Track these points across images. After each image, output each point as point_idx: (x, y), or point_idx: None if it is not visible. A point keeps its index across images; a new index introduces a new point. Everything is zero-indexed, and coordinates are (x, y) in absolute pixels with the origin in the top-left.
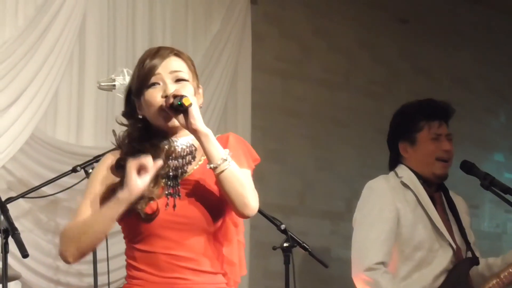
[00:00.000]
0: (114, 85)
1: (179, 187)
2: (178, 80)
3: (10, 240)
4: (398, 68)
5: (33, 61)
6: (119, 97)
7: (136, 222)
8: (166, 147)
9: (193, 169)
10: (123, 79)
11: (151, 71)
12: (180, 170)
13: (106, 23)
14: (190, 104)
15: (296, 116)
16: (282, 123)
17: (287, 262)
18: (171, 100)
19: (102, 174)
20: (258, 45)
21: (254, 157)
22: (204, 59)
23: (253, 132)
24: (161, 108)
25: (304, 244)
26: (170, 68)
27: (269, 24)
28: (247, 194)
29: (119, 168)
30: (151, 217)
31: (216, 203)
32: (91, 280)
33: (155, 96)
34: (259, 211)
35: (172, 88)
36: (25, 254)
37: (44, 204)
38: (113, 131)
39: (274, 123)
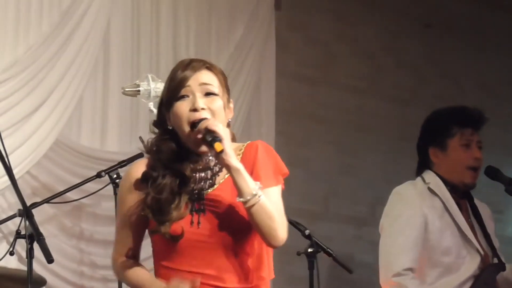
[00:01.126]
0: (139, 91)
1: (204, 202)
2: (208, 94)
3: (35, 246)
4: (424, 73)
5: (58, 66)
6: (143, 102)
7: (161, 239)
8: (191, 165)
9: (220, 182)
10: (147, 85)
11: (181, 83)
12: (206, 183)
13: (130, 28)
14: (222, 151)
15: (320, 121)
16: (307, 129)
17: (311, 267)
18: (202, 133)
19: (127, 196)
20: (282, 50)
21: (283, 171)
22: (227, 65)
23: (277, 138)
24: (190, 134)
25: (329, 250)
26: (201, 81)
27: (293, 30)
28: (276, 226)
29: (144, 182)
30: (175, 238)
31: (242, 219)
32: (115, 285)
33: (183, 109)
34: None
35: (201, 102)
36: (50, 260)
37: (68, 210)
38: (140, 137)
39: (298, 128)
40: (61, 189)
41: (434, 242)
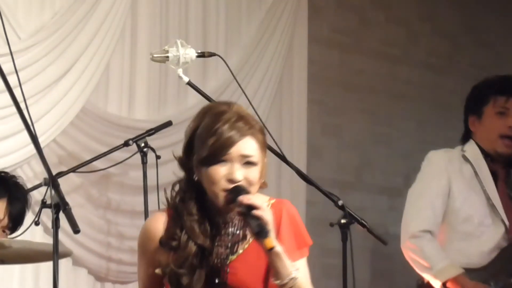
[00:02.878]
0: (168, 57)
1: (225, 275)
2: (247, 163)
3: (61, 216)
4: (460, 40)
5: (84, 32)
6: (172, 69)
7: None
8: (214, 230)
9: (244, 248)
10: (176, 51)
11: (223, 149)
12: (226, 250)
13: None
14: (272, 248)
15: (353, 90)
16: (339, 97)
17: (344, 239)
18: (243, 211)
19: (148, 253)
20: (314, 16)
21: (308, 242)
22: (258, 30)
23: (309, 106)
24: (224, 204)
25: (363, 221)
26: (243, 152)
27: None
28: None
29: (165, 246)
30: None
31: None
32: None
33: (220, 176)
34: (316, 186)
35: (239, 174)
36: (76, 230)
37: (95, 179)
38: (164, 190)
39: (331, 97)
40: (88, 158)
41: (456, 207)
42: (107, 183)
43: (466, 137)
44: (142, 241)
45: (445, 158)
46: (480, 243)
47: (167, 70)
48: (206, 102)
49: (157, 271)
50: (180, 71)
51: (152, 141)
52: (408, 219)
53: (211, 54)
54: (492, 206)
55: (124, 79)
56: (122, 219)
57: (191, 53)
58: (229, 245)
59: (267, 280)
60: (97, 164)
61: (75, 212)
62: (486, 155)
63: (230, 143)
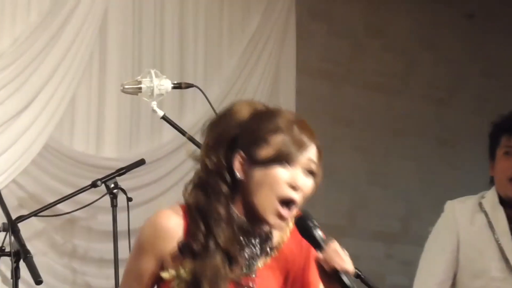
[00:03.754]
0: (140, 88)
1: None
2: (310, 172)
3: (22, 265)
4: (463, 69)
5: (48, 61)
6: (145, 101)
7: None
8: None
9: (259, 267)
10: (150, 81)
11: (295, 151)
12: (245, 262)
13: (131, 19)
14: None
15: (346, 123)
16: (330, 131)
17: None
18: (341, 273)
19: (157, 253)
20: (303, 44)
21: None
22: (241, 59)
23: None
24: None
25: (356, 270)
26: (313, 157)
27: (315, 21)
28: None
29: (185, 253)
30: None
31: None
32: None
33: (281, 178)
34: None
35: (304, 184)
36: (38, 280)
37: (59, 224)
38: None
39: (321, 131)
40: (51, 200)
41: (464, 263)
42: (73, 228)
43: (491, 183)
44: (153, 240)
45: (456, 209)
46: None
47: (140, 102)
48: (182, 138)
49: (166, 275)
50: (154, 104)
51: (122, 181)
52: (416, 276)
53: (189, 85)
54: (506, 260)
55: (91, 113)
56: (89, 268)
57: (167, 84)
58: (247, 260)
59: None
60: (62, 207)
61: (37, 260)
62: (504, 202)
63: (302, 144)
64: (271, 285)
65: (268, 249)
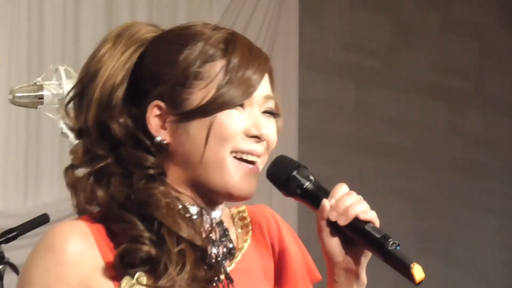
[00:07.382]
0: (42, 97)
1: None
2: (267, 113)
3: None
4: None
5: None
6: (49, 118)
7: None
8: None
9: (242, 250)
10: (58, 86)
11: (250, 88)
12: (221, 250)
13: None
14: (422, 280)
15: None
16: None
17: None
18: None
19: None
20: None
21: (317, 276)
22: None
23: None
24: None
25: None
26: (266, 92)
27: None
28: None
29: (127, 267)
30: None
31: None
32: None
33: (235, 131)
34: None
35: (266, 127)
36: None
37: None
38: (66, 170)
39: None
40: None
41: None
42: None
43: None
44: (55, 272)
45: None
46: None
47: (41, 119)
48: None
49: None
50: (63, 125)
51: (12, 251)
52: None
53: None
54: None
55: None
56: None
57: None
58: (223, 248)
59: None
60: None
61: None
62: None
63: (257, 81)
64: (256, 275)
65: (230, 248)
